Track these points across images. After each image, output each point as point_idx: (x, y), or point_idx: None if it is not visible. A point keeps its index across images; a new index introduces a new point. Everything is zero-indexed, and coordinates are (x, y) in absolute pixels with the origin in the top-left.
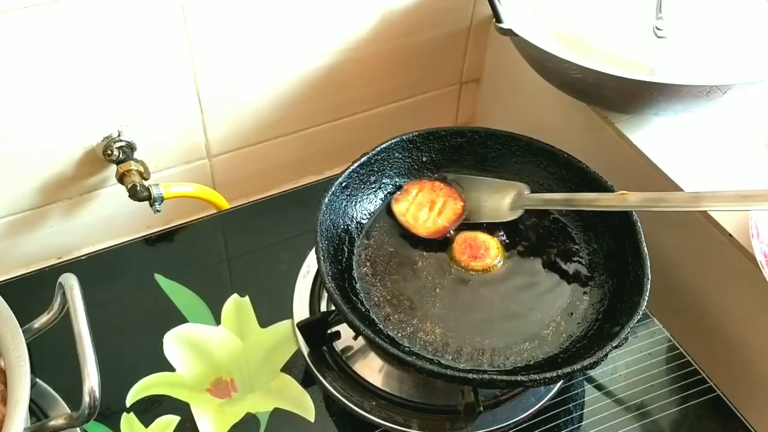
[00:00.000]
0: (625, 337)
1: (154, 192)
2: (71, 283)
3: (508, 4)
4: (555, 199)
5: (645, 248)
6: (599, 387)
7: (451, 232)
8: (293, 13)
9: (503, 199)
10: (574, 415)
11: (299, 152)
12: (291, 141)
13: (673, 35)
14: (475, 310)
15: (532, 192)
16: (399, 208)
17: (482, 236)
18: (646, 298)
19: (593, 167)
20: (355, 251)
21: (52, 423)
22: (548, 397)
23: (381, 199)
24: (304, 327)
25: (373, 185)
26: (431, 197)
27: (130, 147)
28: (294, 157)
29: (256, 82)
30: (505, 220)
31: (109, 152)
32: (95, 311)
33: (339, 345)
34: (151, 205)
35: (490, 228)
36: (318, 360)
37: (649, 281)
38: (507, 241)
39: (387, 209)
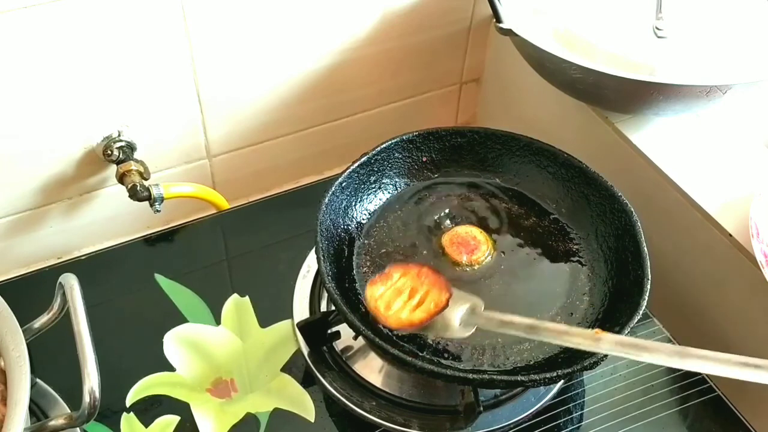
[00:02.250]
0: None
1: (154, 192)
2: (71, 283)
3: (508, 4)
4: (515, 323)
5: (645, 248)
6: (599, 387)
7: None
8: (293, 14)
9: (453, 313)
10: (574, 415)
11: (299, 152)
12: (291, 141)
13: (673, 35)
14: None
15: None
16: (372, 291)
17: (462, 230)
18: (647, 298)
19: (593, 167)
20: (355, 251)
21: (52, 423)
22: (548, 397)
23: (381, 199)
24: (304, 327)
25: (373, 185)
26: (414, 284)
27: (130, 147)
28: (294, 157)
29: (256, 82)
30: (455, 338)
31: (109, 152)
32: (95, 311)
33: (339, 345)
34: (151, 205)
35: (486, 229)
36: (318, 360)
37: (650, 281)
38: (506, 240)
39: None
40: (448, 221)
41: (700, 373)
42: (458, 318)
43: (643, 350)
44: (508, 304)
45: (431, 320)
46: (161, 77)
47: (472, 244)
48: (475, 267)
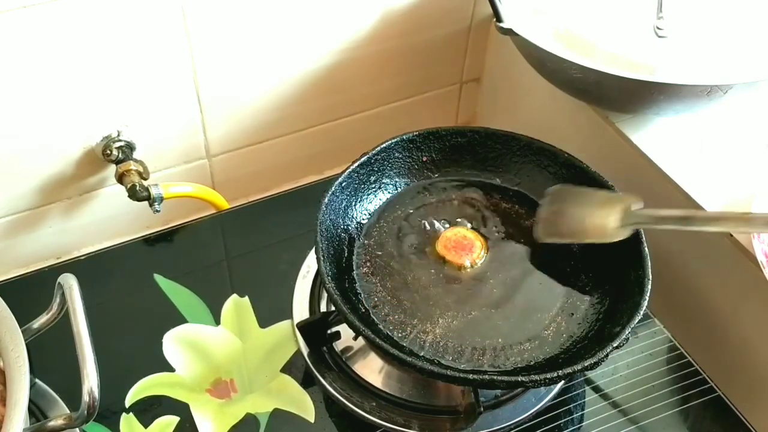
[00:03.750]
0: (626, 338)
1: (154, 192)
2: (70, 283)
3: (509, 4)
4: (671, 217)
5: (646, 248)
6: (600, 387)
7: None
8: (293, 13)
9: (609, 216)
10: (575, 415)
11: (299, 152)
12: (291, 141)
13: (673, 35)
14: (476, 310)
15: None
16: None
17: (450, 233)
18: (647, 299)
19: (594, 167)
20: (355, 251)
21: (52, 423)
22: (549, 397)
23: (381, 199)
24: (304, 327)
25: (373, 185)
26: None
27: (130, 147)
28: (294, 157)
29: (256, 82)
30: (611, 241)
31: (109, 152)
32: (94, 311)
33: (339, 345)
34: (151, 205)
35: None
36: (318, 360)
37: (650, 281)
38: (506, 240)
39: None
40: (448, 221)
41: (700, 374)
42: (616, 219)
43: None
44: (508, 304)
45: (582, 227)
46: (161, 77)
47: (466, 243)
48: (475, 267)
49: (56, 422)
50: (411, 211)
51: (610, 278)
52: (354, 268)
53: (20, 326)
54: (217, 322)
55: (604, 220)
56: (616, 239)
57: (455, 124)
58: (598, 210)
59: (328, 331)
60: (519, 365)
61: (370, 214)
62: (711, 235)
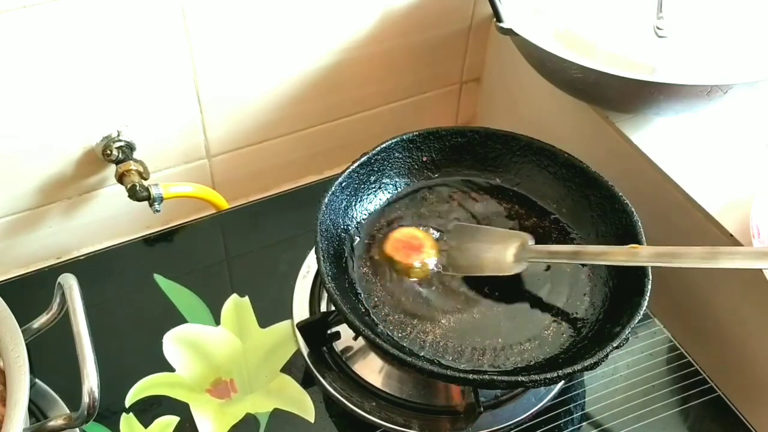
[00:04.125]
0: (626, 338)
1: (154, 192)
2: (70, 283)
3: (509, 4)
4: (561, 252)
5: None
6: (600, 387)
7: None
8: (293, 13)
9: (505, 251)
10: (575, 415)
11: (299, 152)
12: (291, 141)
13: (673, 35)
14: (476, 310)
15: (536, 242)
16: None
17: (399, 234)
18: (647, 299)
19: (594, 167)
20: (355, 251)
21: (51, 423)
22: (549, 397)
23: (381, 199)
24: (303, 327)
25: (373, 185)
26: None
27: (130, 147)
28: (294, 157)
29: (256, 81)
30: (508, 274)
31: (109, 152)
32: (94, 311)
33: (339, 345)
34: (151, 205)
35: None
36: (318, 360)
37: (650, 281)
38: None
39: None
40: (447, 222)
41: (700, 374)
42: (511, 255)
43: (677, 257)
44: (508, 304)
45: (479, 261)
46: (161, 77)
47: (415, 243)
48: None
49: (56, 422)
50: (411, 211)
51: (610, 278)
52: (354, 268)
53: (20, 326)
54: (217, 322)
55: (499, 255)
56: (513, 273)
57: (455, 124)
58: (494, 246)
59: (328, 331)
60: (519, 365)
61: (370, 214)
62: (711, 236)
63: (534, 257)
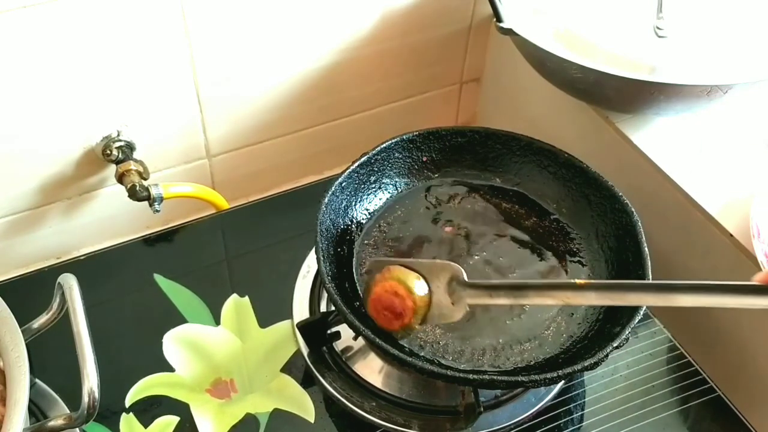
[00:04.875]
0: (626, 338)
1: (154, 192)
2: (70, 283)
3: (509, 4)
4: (501, 287)
5: (646, 248)
6: (600, 387)
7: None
8: (293, 13)
9: (438, 290)
10: (575, 415)
11: (299, 152)
12: (291, 141)
13: (673, 35)
14: (476, 310)
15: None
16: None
17: (380, 289)
18: None
19: (594, 167)
20: (355, 251)
21: (51, 423)
22: (549, 397)
23: (381, 199)
24: (303, 327)
25: (373, 185)
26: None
27: (130, 147)
28: (294, 157)
29: (256, 81)
30: (452, 320)
31: (109, 152)
32: (94, 311)
33: (339, 345)
34: (151, 205)
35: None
36: (318, 360)
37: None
38: (506, 241)
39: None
40: (447, 222)
41: (700, 374)
42: (444, 295)
43: (627, 291)
44: (508, 305)
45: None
46: (161, 77)
47: (396, 302)
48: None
49: (56, 422)
50: (411, 211)
51: (610, 278)
52: (354, 268)
53: (20, 326)
54: (217, 322)
55: (439, 304)
56: (457, 317)
57: (455, 124)
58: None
59: (328, 331)
60: (519, 365)
61: (370, 214)
62: (711, 235)
63: (471, 297)
